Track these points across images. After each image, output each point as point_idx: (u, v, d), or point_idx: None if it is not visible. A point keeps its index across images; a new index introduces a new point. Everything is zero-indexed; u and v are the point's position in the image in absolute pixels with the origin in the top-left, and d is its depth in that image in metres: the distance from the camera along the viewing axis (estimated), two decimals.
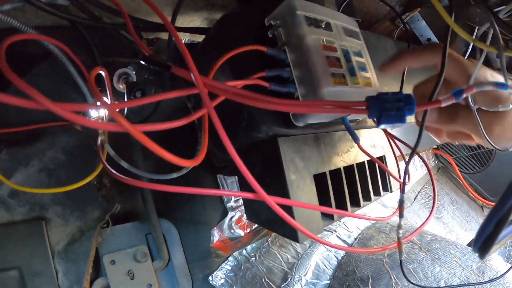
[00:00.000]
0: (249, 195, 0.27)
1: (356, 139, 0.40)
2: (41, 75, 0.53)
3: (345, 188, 0.44)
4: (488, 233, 0.21)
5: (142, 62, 0.33)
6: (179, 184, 0.27)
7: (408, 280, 0.31)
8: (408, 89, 0.48)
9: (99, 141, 0.45)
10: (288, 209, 0.36)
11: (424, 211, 1.08)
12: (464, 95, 0.26)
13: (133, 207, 0.64)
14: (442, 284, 0.49)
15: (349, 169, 0.46)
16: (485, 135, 0.32)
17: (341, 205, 0.44)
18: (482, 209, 1.39)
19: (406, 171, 0.36)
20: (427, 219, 0.41)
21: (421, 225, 0.40)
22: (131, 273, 0.59)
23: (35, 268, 0.54)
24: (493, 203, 1.35)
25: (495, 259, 0.54)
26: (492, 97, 0.31)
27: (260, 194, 0.26)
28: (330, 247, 0.36)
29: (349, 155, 0.46)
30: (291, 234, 0.37)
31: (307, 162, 0.39)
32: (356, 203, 0.46)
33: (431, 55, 0.36)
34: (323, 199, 0.41)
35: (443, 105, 0.27)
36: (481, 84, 0.26)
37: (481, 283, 0.45)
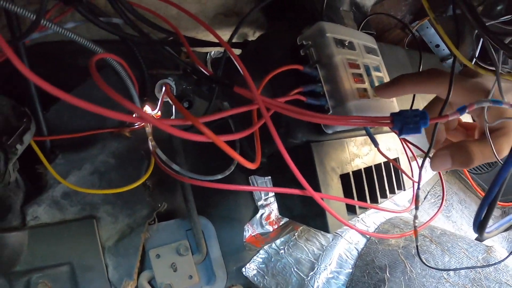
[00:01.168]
0: (296, 191, 0.34)
1: (375, 144, 0.46)
2: (94, 87, 0.59)
3: (365, 187, 0.50)
4: (482, 214, 0.27)
5: (199, 79, 0.39)
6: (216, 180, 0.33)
7: (425, 264, 0.37)
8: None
9: (150, 146, 0.52)
10: (322, 211, 0.43)
11: (434, 209, 1.13)
12: (467, 111, 0.31)
13: (174, 206, 0.70)
14: (451, 272, 0.55)
15: (368, 169, 0.52)
16: (498, 159, 0.34)
17: (362, 201, 0.50)
18: None
19: (420, 174, 0.42)
20: (438, 209, 0.47)
21: (434, 215, 0.46)
22: (174, 266, 0.65)
23: (86, 263, 0.58)
24: (501, 203, 1.39)
25: (500, 251, 0.60)
26: (497, 112, 0.35)
27: (309, 190, 0.32)
28: (359, 232, 0.41)
29: (368, 157, 0.52)
30: (322, 225, 0.43)
31: (335, 164, 0.46)
32: (374, 200, 0.52)
33: (430, 85, 0.37)
34: (347, 196, 0.47)
35: (450, 119, 0.32)
36: (480, 101, 0.31)
37: (486, 266, 0.51)
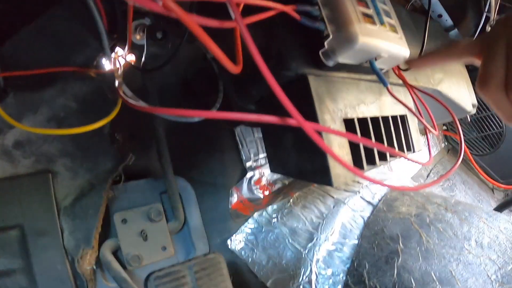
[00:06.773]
0: (291, 122, 0.26)
1: (385, 83, 0.39)
2: (58, 18, 0.50)
3: (373, 139, 0.43)
4: None
5: None
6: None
7: None
8: None
9: (116, 83, 0.44)
10: (322, 157, 0.35)
11: (437, 187, 1.08)
12: None
13: (147, 165, 0.60)
14: (473, 243, 0.47)
15: (375, 120, 0.45)
16: None
17: (370, 157, 0.42)
18: (493, 191, 1.38)
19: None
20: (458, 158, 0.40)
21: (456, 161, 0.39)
22: (144, 234, 0.55)
23: (39, 227, 0.50)
24: (503, 185, 1.33)
25: None
26: None
27: (299, 121, 0.25)
28: (380, 184, 0.34)
29: (374, 106, 0.45)
30: (324, 178, 0.35)
31: (336, 105, 0.38)
32: (383, 157, 0.45)
33: (459, 57, 0.40)
34: (352, 147, 0.39)
35: None
36: None
37: None
